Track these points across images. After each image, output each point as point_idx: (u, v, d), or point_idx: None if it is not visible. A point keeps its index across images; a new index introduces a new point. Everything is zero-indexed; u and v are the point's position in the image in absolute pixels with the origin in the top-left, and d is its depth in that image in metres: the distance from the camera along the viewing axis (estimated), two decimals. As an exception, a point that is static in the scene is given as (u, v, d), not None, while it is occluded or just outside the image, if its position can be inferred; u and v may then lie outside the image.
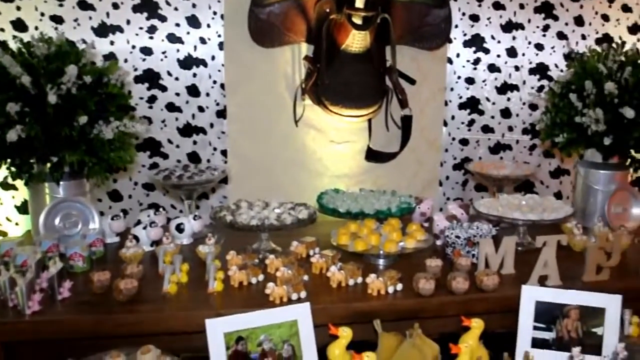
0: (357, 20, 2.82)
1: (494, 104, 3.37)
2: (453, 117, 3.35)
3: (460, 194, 3.44)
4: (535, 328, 2.04)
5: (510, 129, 3.41)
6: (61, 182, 2.41)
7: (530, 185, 3.48)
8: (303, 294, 1.99)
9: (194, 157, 3.08)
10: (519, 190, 3.25)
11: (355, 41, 2.87)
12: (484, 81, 3.34)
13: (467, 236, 2.30)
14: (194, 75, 3.00)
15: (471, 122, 3.38)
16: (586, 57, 2.76)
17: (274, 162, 3.11)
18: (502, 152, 3.43)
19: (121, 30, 2.87)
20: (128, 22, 2.87)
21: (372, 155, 3.19)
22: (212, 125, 3.07)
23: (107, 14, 2.84)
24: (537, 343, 2.04)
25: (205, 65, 3.01)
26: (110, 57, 2.83)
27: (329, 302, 1.99)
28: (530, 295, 2.05)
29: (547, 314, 2.05)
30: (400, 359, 1.92)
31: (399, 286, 2.06)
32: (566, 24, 3.38)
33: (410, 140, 3.18)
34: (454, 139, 3.38)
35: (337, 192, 2.77)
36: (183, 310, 1.93)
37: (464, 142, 3.39)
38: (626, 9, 3.47)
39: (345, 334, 1.84)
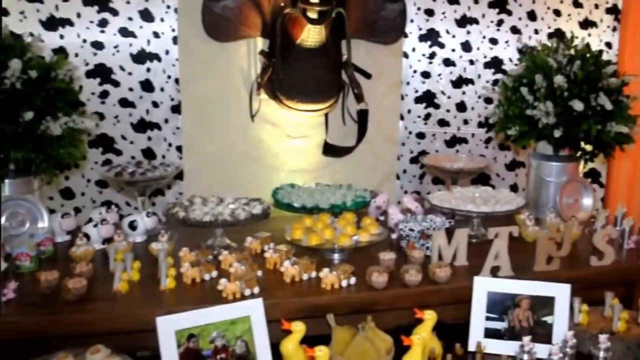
0: (312, 15, 2.81)
1: (449, 97, 3.40)
2: (409, 111, 3.37)
3: (417, 187, 3.46)
4: (487, 318, 2.07)
5: (466, 122, 3.44)
6: (6, 180, 2.35)
7: (486, 177, 3.51)
8: (256, 290, 1.98)
9: (148, 153, 3.04)
10: (475, 182, 3.29)
11: (311, 36, 2.86)
12: (439, 75, 3.36)
13: (421, 229, 2.31)
14: (148, 70, 2.97)
15: (427, 116, 3.40)
16: (537, 52, 2.80)
17: (230, 158, 3.09)
18: (458, 145, 3.46)
19: (71, 23, 2.81)
20: (78, 15, 2.82)
21: (329, 150, 3.19)
22: (166, 121, 3.04)
23: (56, 7, 2.78)
24: (489, 333, 2.06)
25: (159, 59, 2.98)
26: (60, 51, 2.78)
27: (282, 297, 1.99)
28: (482, 286, 2.07)
29: (499, 305, 2.07)
30: (353, 353, 1.92)
31: (353, 280, 2.06)
32: (519, 18, 3.42)
33: (367, 134, 3.18)
34: (410, 132, 3.40)
35: (292, 187, 2.76)
36: (134, 309, 1.90)
37: (421, 135, 3.41)
38: (577, 4, 3.54)
39: (298, 328, 1.84)
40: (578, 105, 2.53)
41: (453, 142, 3.45)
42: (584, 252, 2.40)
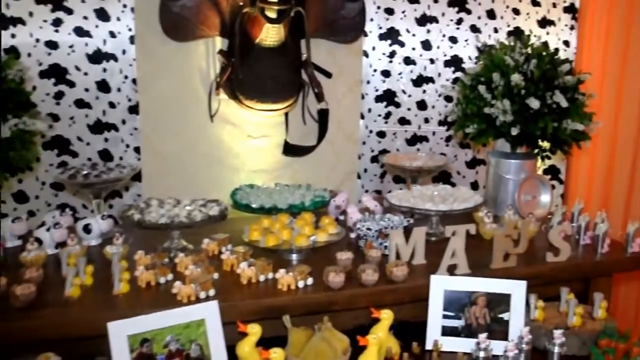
0: (271, 14, 2.79)
1: (410, 96, 3.40)
2: (370, 110, 3.37)
3: (378, 185, 3.46)
4: (445, 317, 2.08)
5: (427, 120, 3.44)
6: (-47, 184, 2.30)
7: (447, 175, 3.53)
8: (212, 292, 1.96)
9: (105, 155, 2.99)
10: (437, 180, 3.31)
11: (269, 35, 2.84)
12: (399, 74, 3.36)
13: (379, 228, 2.31)
14: (104, 70, 2.91)
15: (388, 115, 3.40)
16: (494, 50, 2.82)
17: (190, 158, 3.05)
18: (419, 144, 3.46)
19: (23, 22, 2.75)
20: (31, 14, 2.75)
21: (290, 149, 3.17)
22: (124, 122, 2.99)
23: (7, 5, 2.71)
24: (447, 331, 2.07)
25: (116, 59, 2.92)
26: (12, 51, 2.71)
27: (238, 299, 1.96)
28: (439, 285, 2.08)
29: (456, 303, 2.08)
30: (309, 353, 1.90)
31: (310, 280, 2.05)
32: (479, 17, 3.44)
33: (328, 134, 3.18)
34: (371, 131, 3.39)
35: (251, 188, 2.74)
36: (86, 314, 1.86)
37: (381, 134, 3.41)
38: (535, 3, 3.57)
39: (254, 330, 1.83)
40: (534, 103, 2.55)
41: (414, 140, 3.45)
42: (541, 248, 2.42)
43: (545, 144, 2.79)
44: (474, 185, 3.59)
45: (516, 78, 2.57)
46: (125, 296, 1.97)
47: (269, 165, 3.18)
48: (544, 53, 2.70)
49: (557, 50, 2.77)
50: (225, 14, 2.87)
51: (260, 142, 3.15)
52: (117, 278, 1.97)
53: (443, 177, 3.50)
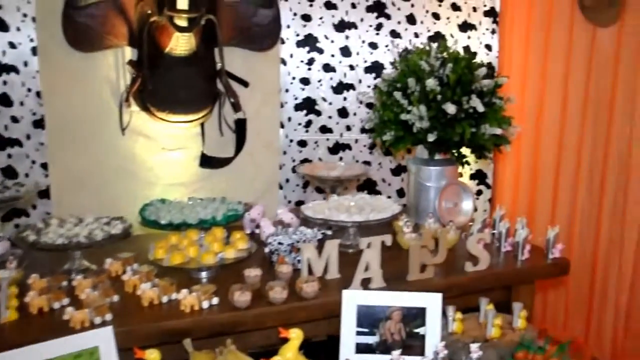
0: (180, 22, 2.69)
1: (330, 104, 3.33)
2: (290, 119, 3.28)
3: (301, 196, 3.37)
4: (358, 333, 1.97)
5: (349, 128, 3.37)
6: None
7: (372, 183, 3.46)
8: (108, 317, 1.82)
9: (10, 172, 2.82)
10: (362, 189, 3.23)
11: (180, 44, 2.74)
12: (319, 81, 3.29)
13: (291, 242, 2.21)
14: (4, 83, 2.75)
15: (308, 123, 3.31)
16: (410, 55, 2.76)
17: (102, 174, 2.90)
18: (342, 152, 3.39)
19: None
20: None
21: (207, 161, 3.06)
22: (28, 137, 2.82)
23: None
24: (361, 348, 1.97)
25: (17, 72, 2.76)
26: None
27: (137, 323, 1.84)
28: (351, 300, 1.98)
29: (370, 318, 1.99)
30: (212, 379, 1.79)
31: (215, 300, 1.93)
32: (399, 22, 3.39)
33: (247, 144, 3.08)
34: (291, 140, 3.30)
35: (163, 203, 2.61)
36: (-34, 347, 1.71)
37: (302, 143, 3.32)
38: (456, 7, 3.54)
39: (152, 356, 1.70)
40: (450, 109, 2.49)
41: (336, 148, 3.38)
42: (461, 257, 2.35)
43: (466, 150, 2.74)
44: (400, 193, 3.53)
45: (431, 83, 2.51)
46: (13, 325, 1.82)
47: (186, 179, 3.06)
48: (460, 57, 2.65)
49: (474, 54, 2.74)
50: (133, 22, 2.75)
51: (175, 155, 3.02)
52: (3, 305, 1.82)
53: (368, 185, 3.44)
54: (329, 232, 2.37)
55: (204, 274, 2.17)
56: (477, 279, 2.25)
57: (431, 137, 2.54)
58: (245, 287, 1.93)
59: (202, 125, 3.00)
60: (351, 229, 2.46)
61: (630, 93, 3.15)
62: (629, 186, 3.19)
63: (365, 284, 2.08)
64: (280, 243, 2.21)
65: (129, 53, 2.84)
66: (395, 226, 2.57)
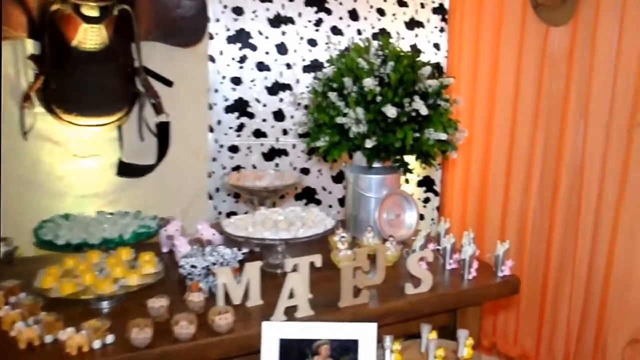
0: (88, 12, 2.39)
1: (265, 105, 3.04)
2: (219, 122, 2.98)
3: (232, 207, 3.07)
4: (281, 371, 1.70)
5: (285, 132, 3.09)
6: None
7: (312, 192, 3.19)
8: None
9: None
10: (300, 198, 2.96)
11: (89, 37, 2.43)
12: (252, 81, 3.00)
13: (206, 265, 1.92)
14: None
15: (241, 127, 3.02)
16: (347, 52, 2.49)
17: (1, 184, 2.57)
18: (278, 158, 3.11)
19: None
20: None
21: (126, 170, 2.75)
22: None
23: None
24: (284, 388, 1.70)
25: None
26: None
27: (6, 371, 1.53)
28: (272, 333, 1.70)
29: (294, 353, 1.70)
30: None
31: (110, 338, 1.63)
32: (340, 18, 3.13)
33: (171, 150, 2.79)
34: (222, 146, 3.00)
35: (66, 219, 2.28)
36: None
37: (234, 149, 3.02)
38: (402, 3, 3.30)
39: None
40: (391, 111, 2.23)
41: (272, 154, 3.10)
42: (403, 277, 2.09)
43: (409, 156, 2.49)
44: (342, 202, 3.27)
45: (369, 83, 2.25)
46: None
47: (102, 189, 2.75)
48: (403, 54, 2.40)
49: (418, 51, 2.48)
50: (32, 11, 2.42)
51: (89, 162, 2.71)
52: None
53: (307, 194, 3.17)
54: (248, 252, 2.09)
55: (105, 305, 1.86)
56: (419, 303, 1.97)
57: (369, 143, 2.28)
58: (144, 322, 1.63)
59: (119, 129, 2.70)
60: (280, 247, 2.18)
61: (584, 95, 2.95)
62: (583, 195, 2.99)
63: (291, 313, 1.80)
64: (193, 266, 1.91)
65: (31, 46, 2.51)
66: (331, 242, 2.31)
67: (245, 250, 2.06)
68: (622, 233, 2.85)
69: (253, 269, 1.84)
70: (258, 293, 1.87)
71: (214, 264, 1.92)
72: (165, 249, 2.34)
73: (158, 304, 1.74)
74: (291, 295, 1.79)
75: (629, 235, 2.84)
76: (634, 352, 2.87)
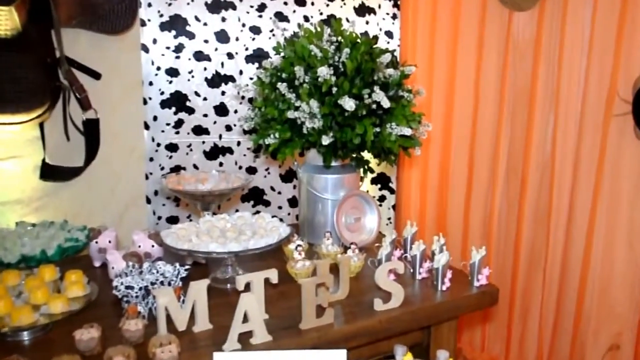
0: (-7, -8, 2.07)
1: (205, 99, 2.75)
2: (155, 118, 2.68)
3: (173, 211, 2.79)
4: (236, 410, 1.45)
5: (229, 128, 2.81)
6: None
7: (259, 193, 2.93)
8: None
9: None
10: (247, 199, 2.71)
11: (-4, 21, 2.12)
12: (190, 72, 2.71)
13: (144, 285, 1.65)
14: None
15: (179, 123, 2.73)
16: (297, 38, 2.24)
17: None
18: (222, 157, 2.83)
19: None
20: None
21: (50, 172, 2.43)
22: None
23: None
24: None
25: None
26: None
27: None
28: (224, 366, 1.45)
29: (251, 389, 1.46)
30: None
31: (17, 383, 1.35)
32: (285, 3, 2.87)
33: (102, 150, 2.49)
34: (159, 144, 2.71)
35: (-22, 232, 1.98)
36: None
37: (173, 147, 2.73)
38: (352, -13, 3.05)
39: None
40: (349, 104, 1.99)
41: (215, 153, 2.81)
42: (369, 289, 1.86)
43: (368, 154, 2.27)
44: (293, 202, 3.02)
45: (324, 72, 2.01)
46: None
47: (26, 195, 2.41)
48: (360, 40, 2.16)
49: (375, 37, 2.25)
50: None
51: (8, 165, 2.38)
52: None
53: (255, 195, 2.91)
54: (191, 265, 1.84)
55: (26, 336, 1.57)
56: (391, 320, 1.74)
57: (326, 140, 2.03)
58: (73, 358, 1.36)
59: (41, 127, 2.38)
60: (229, 259, 1.93)
61: (554, 85, 2.77)
62: (554, 192, 2.81)
63: (245, 339, 1.55)
64: (129, 287, 1.64)
65: None
66: (286, 251, 2.06)
67: (188, 265, 1.79)
68: (598, 232, 2.68)
69: (199, 289, 1.58)
70: (206, 316, 1.61)
71: (153, 283, 1.65)
72: (97, 263, 2.06)
73: (87, 335, 1.47)
74: (245, 319, 1.54)
75: (607, 234, 2.68)
76: (615, 359, 2.71)
